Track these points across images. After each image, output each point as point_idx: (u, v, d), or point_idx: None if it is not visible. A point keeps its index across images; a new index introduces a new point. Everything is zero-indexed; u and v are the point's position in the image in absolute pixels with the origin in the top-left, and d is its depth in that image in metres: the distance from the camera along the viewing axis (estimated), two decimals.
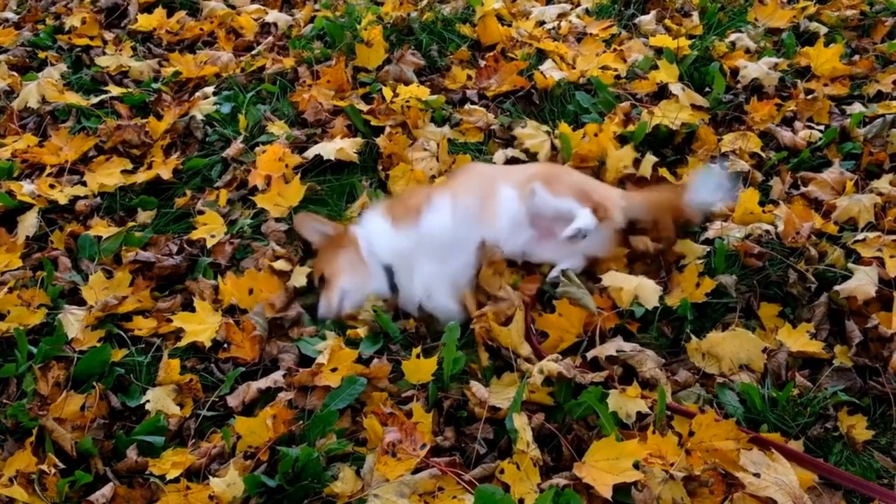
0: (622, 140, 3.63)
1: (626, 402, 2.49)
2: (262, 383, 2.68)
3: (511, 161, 3.61)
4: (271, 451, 2.43)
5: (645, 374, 2.65)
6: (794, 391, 2.60)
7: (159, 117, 3.89)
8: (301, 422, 2.52)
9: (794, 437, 2.50)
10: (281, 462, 2.31)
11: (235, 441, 2.49)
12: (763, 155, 3.56)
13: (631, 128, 3.65)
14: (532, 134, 3.67)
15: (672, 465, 2.33)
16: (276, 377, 2.70)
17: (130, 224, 3.39)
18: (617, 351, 2.69)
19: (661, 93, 3.94)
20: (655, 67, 4.05)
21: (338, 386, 2.59)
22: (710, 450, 2.39)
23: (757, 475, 2.29)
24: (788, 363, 2.72)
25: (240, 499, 2.28)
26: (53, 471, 2.36)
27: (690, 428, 2.42)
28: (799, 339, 2.78)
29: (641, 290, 2.90)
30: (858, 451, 2.49)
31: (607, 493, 2.22)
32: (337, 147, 3.58)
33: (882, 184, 3.31)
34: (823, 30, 4.35)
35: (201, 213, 3.39)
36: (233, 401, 2.66)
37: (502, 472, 2.31)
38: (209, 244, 3.24)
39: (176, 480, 2.36)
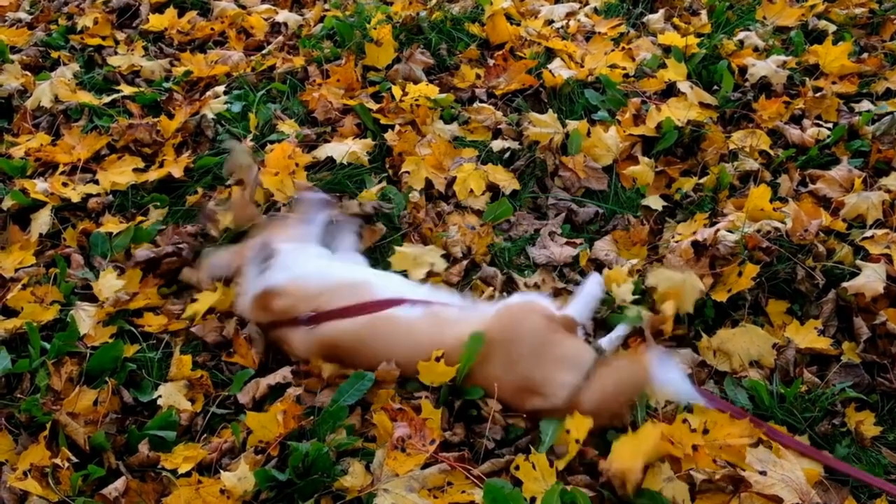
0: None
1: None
2: (272, 379, 2.71)
3: (505, 151, 3.67)
4: (281, 446, 2.45)
5: None
6: (802, 387, 2.62)
7: (171, 116, 3.92)
8: (311, 417, 2.54)
9: (801, 432, 2.52)
10: (291, 456, 2.34)
11: (246, 436, 2.51)
12: (771, 153, 3.57)
13: (642, 128, 3.68)
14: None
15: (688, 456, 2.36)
16: (285, 373, 2.72)
17: (139, 219, 3.42)
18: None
19: (670, 91, 3.94)
20: (664, 66, 4.05)
21: (345, 381, 2.60)
22: (723, 447, 2.41)
23: (763, 473, 2.31)
24: (796, 360, 2.73)
25: (251, 493, 2.30)
26: (67, 464, 2.39)
27: (705, 426, 2.43)
28: (807, 336, 2.79)
29: (682, 290, 2.91)
30: (866, 446, 2.50)
31: (638, 477, 2.26)
32: (349, 150, 3.60)
33: (890, 181, 3.32)
34: (832, 28, 4.34)
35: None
36: (243, 397, 2.68)
37: (517, 468, 2.33)
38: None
39: (187, 474, 2.39)
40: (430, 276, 3.14)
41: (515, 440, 2.51)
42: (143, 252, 3.21)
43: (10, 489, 2.34)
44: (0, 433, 2.51)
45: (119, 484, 2.37)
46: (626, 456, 2.32)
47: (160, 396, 2.67)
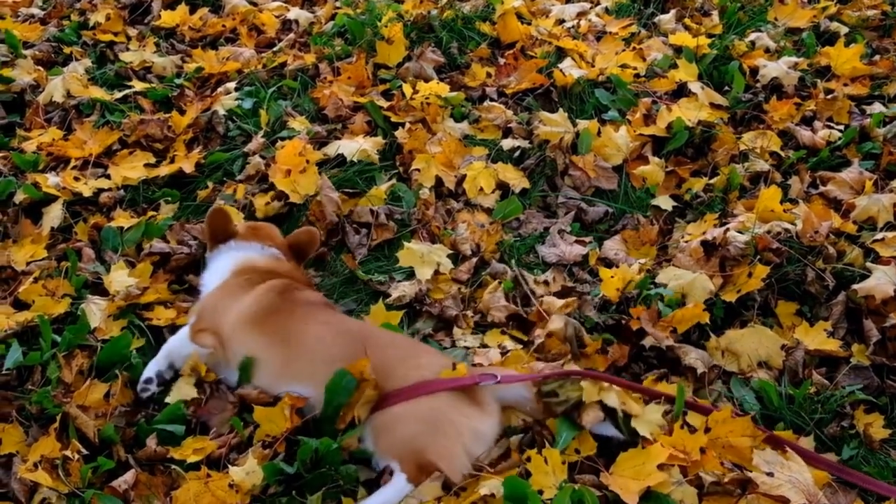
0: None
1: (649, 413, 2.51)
2: None
3: (515, 150, 3.68)
4: (288, 441, 2.46)
5: (690, 363, 2.69)
6: (811, 389, 2.61)
7: (182, 112, 3.94)
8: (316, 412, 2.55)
9: (809, 434, 2.51)
10: (300, 450, 2.34)
11: (252, 430, 2.52)
12: (782, 154, 3.57)
13: (652, 128, 3.68)
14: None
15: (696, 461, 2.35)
16: None
17: (150, 214, 3.44)
18: (666, 346, 2.74)
19: (681, 91, 3.94)
20: (675, 66, 4.05)
21: (329, 381, 2.48)
22: (726, 446, 2.40)
23: (770, 474, 2.30)
24: (805, 361, 2.72)
25: (259, 487, 2.31)
26: (77, 456, 2.39)
27: (707, 424, 2.43)
28: (816, 338, 2.78)
29: (689, 288, 2.92)
30: (875, 449, 2.49)
31: (634, 501, 2.23)
32: (360, 147, 3.62)
33: None
34: (844, 30, 4.34)
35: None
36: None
37: (529, 459, 2.32)
38: None
39: (196, 468, 2.39)
40: (437, 274, 3.16)
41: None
42: (159, 244, 3.24)
43: (20, 480, 2.35)
44: (11, 425, 2.52)
45: (128, 476, 2.37)
46: (628, 474, 2.32)
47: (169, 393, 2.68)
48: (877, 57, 4.17)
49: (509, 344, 2.85)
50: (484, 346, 2.86)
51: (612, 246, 3.28)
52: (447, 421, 2.41)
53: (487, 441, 2.44)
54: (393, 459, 2.36)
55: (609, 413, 2.47)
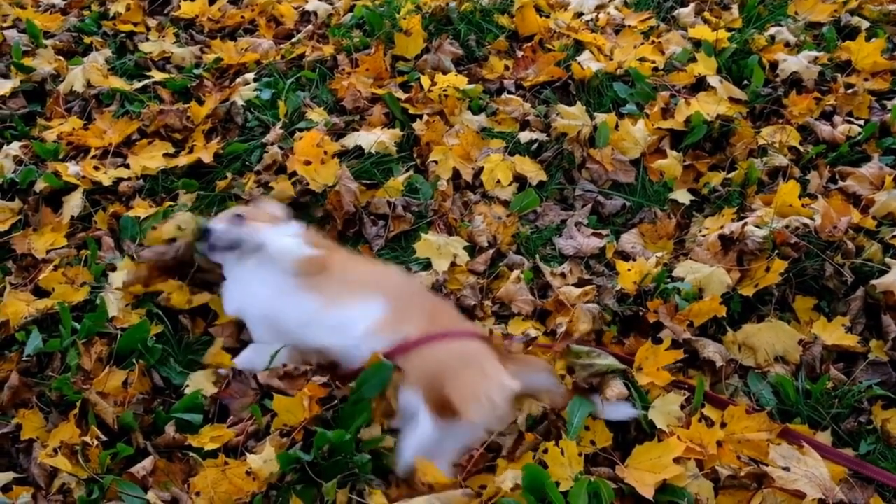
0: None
1: (667, 404, 2.51)
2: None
3: (532, 142, 3.68)
4: (305, 431, 2.48)
5: (708, 356, 2.69)
6: (828, 384, 2.60)
7: (201, 102, 3.95)
8: (336, 402, 2.56)
9: (826, 429, 2.50)
10: (316, 438, 2.36)
11: (270, 419, 2.54)
12: (801, 149, 3.55)
13: (670, 122, 3.67)
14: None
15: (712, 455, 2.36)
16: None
17: (169, 204, 3.46)
18: (683, 339, 2.74)
19: (699, 85, 3.92)
20: (693, 60, 4.03)
21: (365, 371, 2.55)
22: (742, 440, 2.40)
23: (786, 469, 2.30)
24: (823, 356, 2.71)
25: (276, 475, 2.33)
26: (96, 443, 2.42)
27: (723, 419, 2.43)
28: (834, 333, 2.78)
29: (706, 282, 2.92)
30: (892, 444, 2.48)
31: (649, 494, 2.24)
32: (377, 139, 3.62)
33: None
34: (865, 24, 4.29)
35: (238, 197, 3.45)
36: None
37: (546, 451, 2.34)
38: None
39: (213, 455, 2.42)
40: (454, 266, 3.16)
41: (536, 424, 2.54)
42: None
43: (40, 465, 2.39)
44: (31, 411, 2.56)
45: (147, 463, 2.40)
46: (644, 466, 2.33)
47: (188, 385, 2.71)
48: None
49: (533, 332, 2.86)
50: (508, 334, 2.87)
51: (630, 239, 3.28)
52: (476, 363, 2.51)
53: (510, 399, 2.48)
54: (416, 388, 2.47)
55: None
